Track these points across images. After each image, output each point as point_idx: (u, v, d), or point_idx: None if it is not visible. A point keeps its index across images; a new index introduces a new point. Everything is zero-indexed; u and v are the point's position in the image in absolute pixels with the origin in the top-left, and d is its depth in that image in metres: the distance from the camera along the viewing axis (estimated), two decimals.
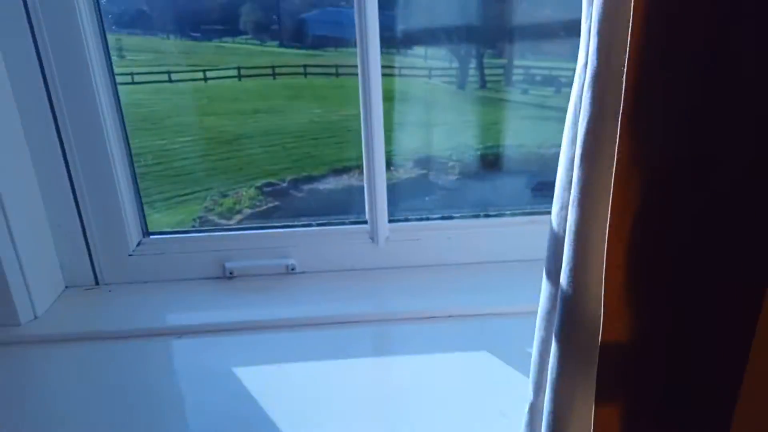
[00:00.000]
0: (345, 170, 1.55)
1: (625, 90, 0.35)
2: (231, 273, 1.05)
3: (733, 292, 0.39)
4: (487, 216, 1.14)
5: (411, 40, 2.18)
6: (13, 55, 0.89)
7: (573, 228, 0.44)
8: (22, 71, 0.90)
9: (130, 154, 1.03)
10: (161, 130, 1.63)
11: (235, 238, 1.06)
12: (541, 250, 0.96)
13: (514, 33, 1.97)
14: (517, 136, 1.77)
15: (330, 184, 1.52)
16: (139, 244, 1.05)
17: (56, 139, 0.94)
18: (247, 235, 1.07)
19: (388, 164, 1.78)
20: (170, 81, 1.93)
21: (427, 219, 1.13)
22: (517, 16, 1.90)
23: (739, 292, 0.38)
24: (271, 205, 1.46)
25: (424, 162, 1.62)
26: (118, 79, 2.13)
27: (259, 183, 1.53)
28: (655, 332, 0.41)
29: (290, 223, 1.09)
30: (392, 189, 1.57)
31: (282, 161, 1.62)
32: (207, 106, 1.77)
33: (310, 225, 1.08)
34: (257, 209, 1.45)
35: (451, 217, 1.14)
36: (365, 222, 1.08)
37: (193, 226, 1.40)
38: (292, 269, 1.07)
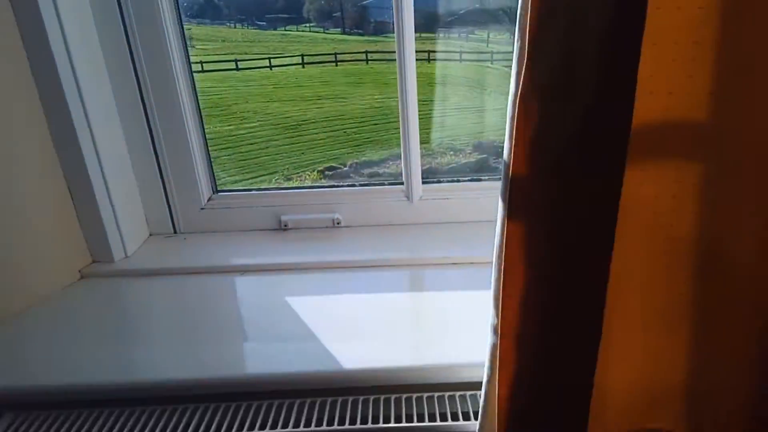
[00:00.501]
0: None
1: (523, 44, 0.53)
2: (286, 225, 1.17)
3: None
4: None
5: (469, 23, 2.16)
6: (109, 41, 1.00)
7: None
8: (115, 53, 1.04)
9: (202, 124, 1.14)
10: (229, 116, 1.69)
11: (289, 195, 1.19)
12: None
13: None
14: None
15: (390, 168, 1.54)
16: (209, 199, 1.19)
17: (142, 112, 1.07)
18: (300, 193, 1.20)
19: (449, 148, 1.79)
20: (237, 69, 2.00)
21: (458, 181, 1.20)
22: None
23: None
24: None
25: (485, 146, 1.61)
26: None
27: (321, 167, 1.58)
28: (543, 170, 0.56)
29: (337, 184, 1.19)
30: (452, 171, 1.58)
31: (344, 146, 1.66)
32: (272, 93, 1.82)
33: (353, 185, 1.18)
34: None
35: (479, 179, 1.20)
36: (402, 183, 1.18)
37: None
38: (338, 223, 1.19)
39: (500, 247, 0.60)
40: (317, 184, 1.25)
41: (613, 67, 0.52)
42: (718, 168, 0.56)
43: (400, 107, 1.09)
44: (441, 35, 2.33)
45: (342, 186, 1.18)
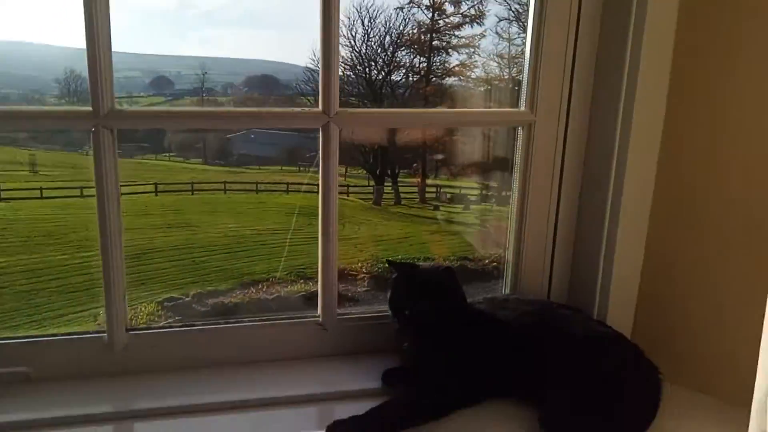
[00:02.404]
0: (253, 284, 1.53)
1: None
2: None
3: None
4: (227, 323, 1.17)
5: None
6: None
7: None
8: None
9: None
10: (64, 245, 1.56)
11: None
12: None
13: (426, 154, 2.10)
14: (426, 250, 1.83)
15: (237, 297, 1.49)
16: None
17: None
18: None
19: (300, 276, 1.78)
20: (82, 196, 1.89)
21: (169, 327, 1.12)
22: (429, 140, 2.04)
23: None
24: (171, 320, 1.39)
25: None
26: (25, 194, 2.06)
27: (160, 298, 1.47)
28: None
29: (30, 333, 1.07)
30: (303, 300, 1.56)
31: (189, 275, 1.58)
32: None
33: (54, 336, 1.06)
34: (154, 324, 1.37)
35: (192, 325, 1.13)
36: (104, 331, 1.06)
37: None
38: (29, 376, 1.04)
39: None
40: (9, 336, 1.12)
41: None
42: None
43: (99, 232, 0.95)
44: (301, 169, 2.42)
45: (35, 336, 1.07)
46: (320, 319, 1.17)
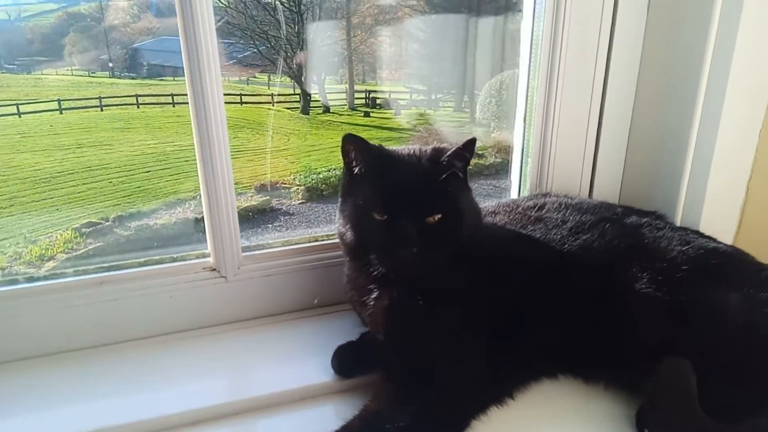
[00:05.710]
0: (179, 203, 1.45)
1: None
2: None
3: None
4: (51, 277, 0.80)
5: (252, 67, 2.14)
6: None
7: None
8: None
9: None
10: None
11: None
12: None
13: (354, 60, 2.02)
14: None
15: (162, 219, 1.41)
16: None
17: None
18: None
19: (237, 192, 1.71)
20: None
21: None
22: (354, 42, 1.95)
23: None
24: (91, 246, 1.31)
25: (267, 188, 1.58)
26: None
27: (77, 224, 1.38)
28: None
29: None
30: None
31: (107, 198, 1.48)
32: (19, 143, 1.57)
33: None
34: (74, 253, 1.29)
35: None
36: None
37: None
38: None
39: None
40: None
41: None
42: None
43: None
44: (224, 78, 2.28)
45: None
46: (211, 260, 0.80)
